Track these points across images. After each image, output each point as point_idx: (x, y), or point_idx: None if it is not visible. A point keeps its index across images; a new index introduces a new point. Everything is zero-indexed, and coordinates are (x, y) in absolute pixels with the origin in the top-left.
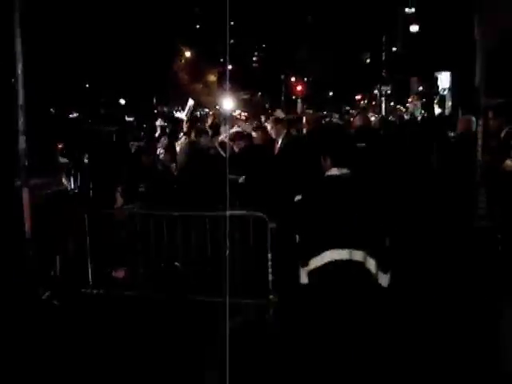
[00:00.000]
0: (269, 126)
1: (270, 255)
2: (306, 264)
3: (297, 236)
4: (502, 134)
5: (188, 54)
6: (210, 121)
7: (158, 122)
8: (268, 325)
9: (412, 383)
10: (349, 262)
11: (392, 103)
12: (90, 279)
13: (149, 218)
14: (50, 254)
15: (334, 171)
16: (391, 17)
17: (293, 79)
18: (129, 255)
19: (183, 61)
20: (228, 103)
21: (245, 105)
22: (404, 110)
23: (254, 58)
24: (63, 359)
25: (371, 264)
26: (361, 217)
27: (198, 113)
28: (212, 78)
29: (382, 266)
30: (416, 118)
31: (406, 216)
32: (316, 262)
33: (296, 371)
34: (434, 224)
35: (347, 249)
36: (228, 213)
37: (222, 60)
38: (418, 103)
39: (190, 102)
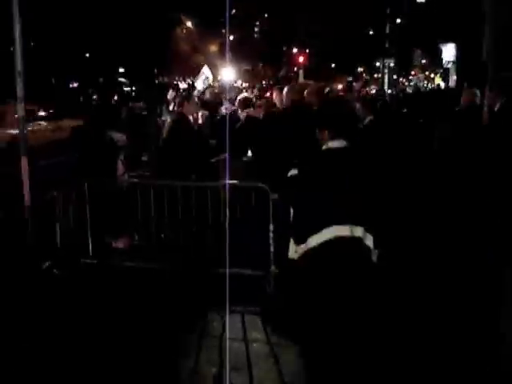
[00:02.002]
0: (274, 95)
1: (271, 226)
2: (302, 241)
3: (291, 212)
4: (496, 107)
5: (189, 23)
6: (208, 94)
7: (170, 95)
8: (269, 296)
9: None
10: (351, 239)
11: (395, 76)
12: (91, 249)
13: (149, 187)
14: (51, 222)
15: (334, 143)
16: None
17: (295, 50)
18: (130, 225)
19: (184, 31)
20: (230, 74)
21: (246, 76)
22: (407, 83)
23: (256, 29)
24: (62, 330)
25: (369, 240)
26: (361, 191)
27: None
28: (213, 48)
29: (375, 242)
30: (419, 90)
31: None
32: (316, 239)
33: (297, 346)
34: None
35: (348, 225)
36: (229, 182)
37: (223, 31)
38: (422, 76)
39: (206, 71)
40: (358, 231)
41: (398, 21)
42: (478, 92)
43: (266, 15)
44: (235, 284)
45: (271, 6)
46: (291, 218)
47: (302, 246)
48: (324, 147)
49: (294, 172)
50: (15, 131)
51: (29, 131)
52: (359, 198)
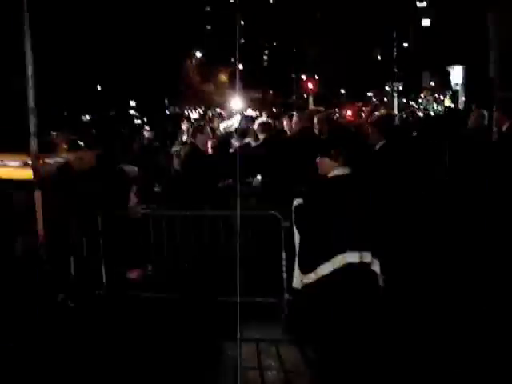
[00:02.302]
0: (284, 122)
1: (283, 254)
2: (310, 270)
3: (297, 243)
4: (505, 127)
5: (199, 54)
6: (216, 121)
7: (185, 126)
8: (284, 324)
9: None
10: (361, 265)
11: (404, 99)
12: (104, 280)
13: (162, 218)
14: (65, 256)
15: (339, 171)
16: (402, 12)
17: (304, 77)
18: (143, 256)
19: (194, 61)
20: (239, 102)
21: (256, 104)
22: (416, 106)
23: (265, 57)
24: (77, 361)
25: (376, 265)
26: (367, 217)
27: (210, 113)
28: (223, 77)
29: (381, 267)
30: (429, 113)
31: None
32: (328, 267)
33: (312, 373)
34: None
35: (358, 251)
36: (241, 212)
37: (232, 60)
38: (431, 98)
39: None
40: (367, 257)
41: (406, 45)
42: (485, 113)
43: (274, 43)
44: (249, 312)
45: (280, 34)
46: (297, 248)
47: (311, 274)
48: (330, 174)
49: (299, 201)
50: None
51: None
52: (365, 223)
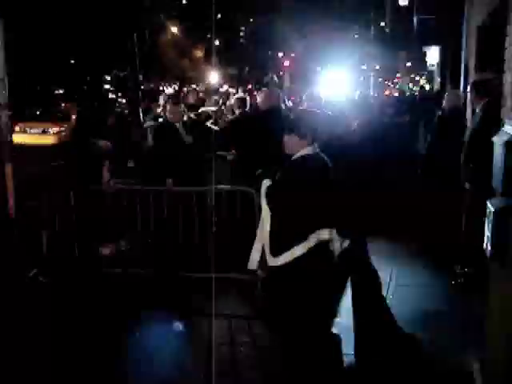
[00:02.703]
0: (258, 98)
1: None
2: (286, 251)
3: (266, 224)
4: (478, 108)
5: (174, 29)
6: (191, 97)
7: (162, 100)
8: (257, 299)
9: None
10: (327, 242)
11: (380, 79)
12: (77, 256)
13: (136, 193)
14: (36, 230)
15: (308, 150)
16: None
17: (280, 54)
18: (116, 231)
19: (169, 37)
20: (215, 79)
21: (232, 80)
22: (392, 85)
23: (241, 34)
24: (47, 337)
25: (338, 240)
26: (334, 195)
27: (185, 89)
28: (199, 53)
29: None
30: (405, 93)
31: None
32: (302, 248)
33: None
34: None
35: (329, 229)
36: (215, 187)
37: (208, 35)
38: (407, 79)
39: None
40: (333, 233)
41: (382, 24)
42: (460, 93)
43: (251, 20)
44: (222, 288)
45: (257, 10)
46: (266, 229)
47: (286, 254)
48: (299, 154)
49: (269, 182)
50: None
51: None
52: (333, 202)
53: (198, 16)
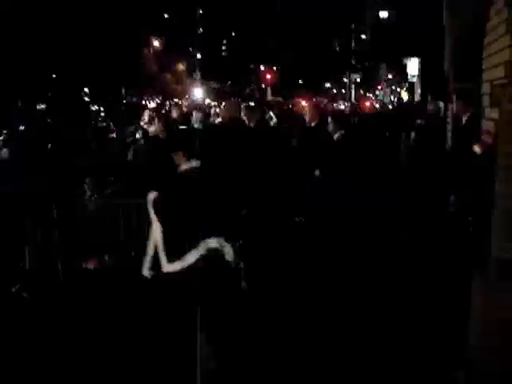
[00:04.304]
0: (242, 113)
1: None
2: (178, 258)
3: (157, 233)
4: (464, 119)
5: (156, 43)
6: (174, 112)
7: (147, 114)
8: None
9: None
10: (219, 249)
11: (362, 91)
12: (60, 271)
13: (118, 207)
14: (19, 246)
15: (188, 165)
16: (360, 3)
17: (262, 68)
18: (99, 245)
19: (152, 50)
20: (198, 92)
21: (215, 94)
22: (373, 97)
23: (223, 47)
24: (30, 353)
25: (229, 248)
26: (220, 206)
27: (168, 103)
28: (181, 67)
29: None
30: (387, 105)
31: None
32: (194, 255)
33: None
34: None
35: (217, 237)
36: None
37: (191, 49)
38: (388, 90)
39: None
40: (223, 242)
41: (364, 36)
42: (441, 104)
43: (233, 33)
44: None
45: (238, 24)
46: (158, 239)
47: (179, 262)
48: (182, 168)
49: (154, 194)
50: None
51: None
52: (219, 211)
53: (180, 30)
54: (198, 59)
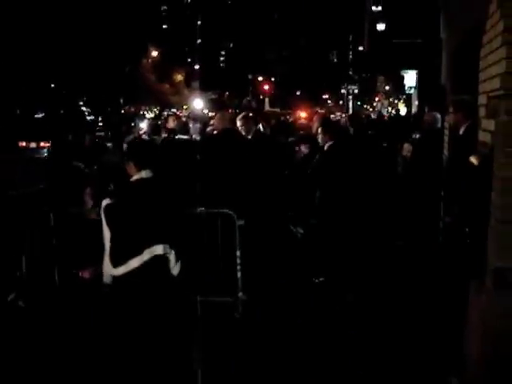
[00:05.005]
0: (238, 123)
1: (238, 253)
2: (121, 264)
3: (107, 239)
4: (461, 130)
5: (155, 53)
6: (171, 121)
7: (145, 124)
8: (237, 323)
9: None
10: (164, 256)
11: (359, 102)
12: (57, 279)
13: None
14: (16, 254)
15: (139, 175)
16: (358, 15)
17: (260, 78)
18: (96, 255)
19: (150, 61)
20: (196, 103)
21: (213, 105)
22: (371, 109)
23: (222, 58)
24: (26, 362)
25: (172, 254)
26: (166, 214)
27: (166, 113)
28: (179, 77)
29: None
30: (383, 116)
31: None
32: (138, 261)
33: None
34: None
35: (162, 244)
36: (196, 210)
37: (189, 60)
38: (386, 102)
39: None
40: (167, 249)
41: (361, 48)
42: (438, 116)
43: (231, 45)
44: (204, 311)
45: (237, 34)
46: (107, 244)
47: (123, 267)
48: (134, 177)
49: (107, 201)
50: None
51: None
52: (165, 220)
53: (179, 40)
54: (196, 70)
